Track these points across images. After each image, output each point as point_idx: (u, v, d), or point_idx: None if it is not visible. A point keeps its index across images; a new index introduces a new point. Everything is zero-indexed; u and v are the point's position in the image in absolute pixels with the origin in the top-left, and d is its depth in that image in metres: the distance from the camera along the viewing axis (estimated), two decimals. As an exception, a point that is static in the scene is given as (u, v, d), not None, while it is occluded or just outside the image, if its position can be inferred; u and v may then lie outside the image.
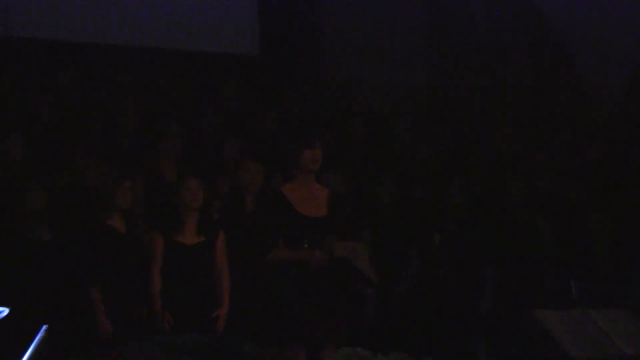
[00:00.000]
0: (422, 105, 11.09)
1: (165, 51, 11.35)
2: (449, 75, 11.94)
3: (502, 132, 10.39)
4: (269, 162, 8.47)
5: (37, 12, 10.75)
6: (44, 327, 4.12)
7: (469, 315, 8.43)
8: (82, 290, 7.39)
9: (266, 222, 7.24)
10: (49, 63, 10.11)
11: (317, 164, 7.23)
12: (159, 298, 7.49)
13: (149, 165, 8.56)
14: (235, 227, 7.92)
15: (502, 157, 10.04)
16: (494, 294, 8.54)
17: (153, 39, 11.37)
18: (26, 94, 9.26)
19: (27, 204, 7.49)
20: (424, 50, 12.15)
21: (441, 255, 8.56)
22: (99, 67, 10.36)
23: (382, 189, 8.66)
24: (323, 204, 7.19)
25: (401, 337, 7.77)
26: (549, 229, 8.88)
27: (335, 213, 7.37)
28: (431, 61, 12.14)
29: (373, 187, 8.73)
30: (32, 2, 10.72)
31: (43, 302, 6.91)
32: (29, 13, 10.63)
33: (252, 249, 7.61)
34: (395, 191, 8.73)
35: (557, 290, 8.15)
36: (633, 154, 9.68)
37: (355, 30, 11.86)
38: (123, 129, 9.04)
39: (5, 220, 7.53)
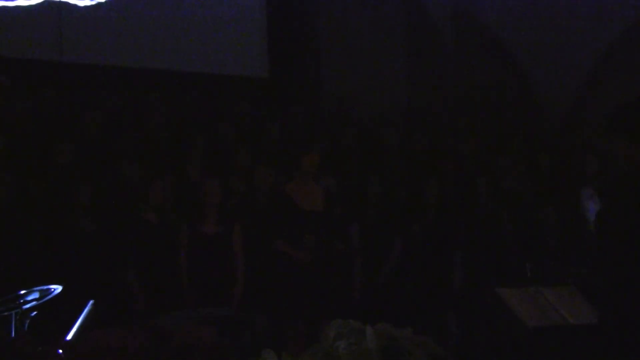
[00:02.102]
0: (403, 118, 11.11)
1: (190, 74, 11.38)
2: (425, 94, 11.96)
3: (470, 141, 10.45)
4: (274, 165, 8.52)
5: (85, 40, 10.78)
6: (91, 301, 4.14)
7: (441, 291, 8.45)
8: (122, 271, 7.47)
9: (272, 215, 7.30)
10: (95, 83, 10.14)
11: (315, 167, 7.30)
12: (185, 278, 7.54)
13: (177, 169, 8.60)
14: (249, 220, 7.97)
15: (470, 162, 10.07)
16: (463, 274, 8.56)
17: (181, 63, 11.39)
18: (76, 109, 9.30)
19: (76, 200, 7.53)
20: (404, 74, 12.17)
21: (419, 242, 8.58)
22: (136, 87, 10.39)
23: (370, 188, 8.68)
24: (319, 200, 7.25)
25: (386, 310, 7.78)
26: (509, 220, 8.91)
27: (329, 208, 7.44)
28: (410, 83, 12.16)
29: (363, 186, 8.74)
30: (81, 32, 10.74)
31: (90, 280, 6.95)
32: (78, 41, 10.66)
33: (262, 237, 7.68)
34: (381, 190, 8.76)
35: (515, 271, 8.17)
36: (576, 159, 9.73)
37: (348, 56, 11.88)
38: (156, 138, 9.07)
39: (58, 214, 7.58)
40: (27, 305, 3.78)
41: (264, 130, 9.67)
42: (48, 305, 3.87)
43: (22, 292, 3.89)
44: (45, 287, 3.94)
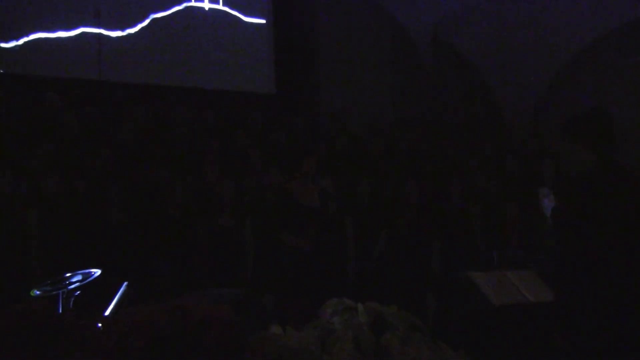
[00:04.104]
0: (389, 128, 11.11)
1: (209, 90, 11.41)
2: (407, 108, 11.99)
3: (445, 147, 10.46)
4: (281, 167, 8.53)
5: (120, 62, 10.81)
6: (125, 283, 4.14)
7: (421, 275, 8.45)
8: (151, 257, 7.48)
9: (277, 210, 7.31)
10: (128, 98, 10.16)
11: (313, 169, 7.29)
12: (204, 263, 7.55)
13: (197, 171, 8.62)
14: (259, 214, 7.98)
15: (446, 165, 10.08)
16: (440, 260, 8.57)
17: (201, 81, 11.43)
18: (112, 120, 9.32)
19: (111, 197, 7.55)
20: (389, 91, 12.20)
21: (402, 233, 8.59)
22: (163, 101, 10.40)
23: (360, 188, 8.69)
24: (317, 197, 7.25)
25: (374, 290, 7.79)
26: (478, 215, 8.92)
27: (325, 204, 7.45)
28: (395, 98, 12.18)
29: (354, 186, 8.76)
30: (117, 56, 10.77)
31: (124, 265, 6.96)
32: (114, 63, 10.69)
33: (269, 229, 7.68)
34: (370, 189, 8.77)
35: (484, 257, 8.17)
36: (535, 162, 9.74)
37: (342, 77, 11.91)
38: (179, 145, 9.09)
39: (97, 208, 7.59)
40: (72, 286, 3.78)
41: (271, 138, 9.69)
42: (89, 286, 3.88)
43: (68, 274, 3.89)
44: (87, 271, 3.94)
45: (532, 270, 6.58)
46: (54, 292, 3.74)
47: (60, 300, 3.73)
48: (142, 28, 11.08)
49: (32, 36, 10.27)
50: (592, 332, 3.77)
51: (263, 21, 12.04)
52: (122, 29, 10.89)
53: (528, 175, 9.62)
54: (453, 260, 8.45)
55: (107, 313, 3.83)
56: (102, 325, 3.29)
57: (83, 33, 10.53)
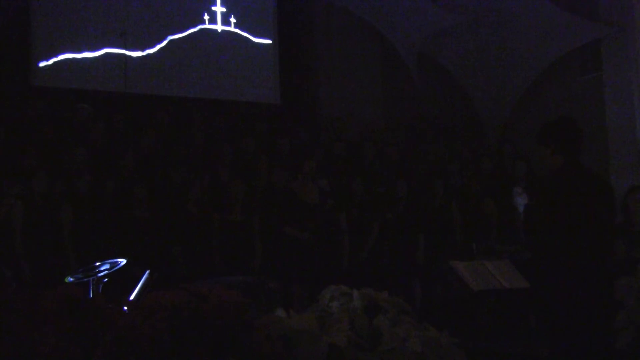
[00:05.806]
0: (380, 134, 11.09)
1: (221, 101, 11.41)
2: (397, 116, 11.98)
3: (430, 150, 10.44)
4: (285, 169, 8.51)
5: (143, 77, 10.81)
6: (147, 271, 4.13)
7: (409, 264, 8.45)
8: (170, 248, 7.46)
9: (281, 206, 7.31)
10: (150, 108, 10.15)
11: (313, 170, 7.30)
12: (216, 253, 7.54)
13: (211, 172, 8.60)
14: (266, 210, 7.96)
15: (430, 166, 10.07)
16: (425, 251, 8.55)
17: (214, 93, 11.44)
18: (136, 127, 9.32)
19: (135, 195, 7.53)
20: (381, 101, 12.19)
21: (392, 227, 8.58)
22: (181, 110, 10.39)
23: (354, 186, 8.68)
24: (316, 195, 7.26)
25: (368, 278, 7.78)
26: (459, 210, 8.91)
27: (323, 201, 7.45)
28: (386, 107, 12.17)
29: (349, 186, 8.74)
30: (140, 71, 10.77)
31: (147, 255, 6.95)
32: (138, 77, 10.68)
33: (275, 223, 7.68)
34: (363, 187, 8.75)
35: (464, 248, 8.17)
36: (509, 164, 9.72)
37: (339, 88, 11.91)
38: (195, 149, 9.08)
39: (121, 205, 7.58)
40: (101, 274, 3.78)
41: (276, 143, 9.68)
42: (116, 274, 3.87)
43: (97, 263, 3.89)
44: (114, 260, 3.94)
45: (507, 260, 6.59)
46: (85, 279, 3.74)
47: (91, 286, 3.72)
48: (161, 48, 11.14)
49: (64, 56, 10.44)
50: (562, 314, 3.77)
51: (269, 41, 12.07)
52: (143, 50, 10.96)
53: (502, 175, 9.61)
54: (437, 251, 8.44)
55: (131, 298, 3.82)
56: (127, 308, 3.27)
57: (110, 53, 10.63)
